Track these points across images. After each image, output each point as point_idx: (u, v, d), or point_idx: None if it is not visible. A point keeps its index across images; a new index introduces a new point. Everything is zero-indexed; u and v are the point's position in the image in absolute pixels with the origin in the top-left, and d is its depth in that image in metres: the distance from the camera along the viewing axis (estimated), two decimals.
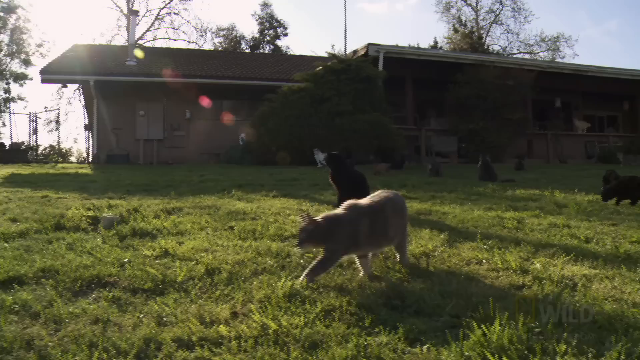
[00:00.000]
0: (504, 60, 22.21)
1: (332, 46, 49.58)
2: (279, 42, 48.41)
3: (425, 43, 49.05)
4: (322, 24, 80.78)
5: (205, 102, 20.40)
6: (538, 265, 3.03)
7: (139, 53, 22.19)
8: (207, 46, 46.07)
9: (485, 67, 18.65)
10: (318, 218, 2.61)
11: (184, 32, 71.81)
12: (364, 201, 2.88)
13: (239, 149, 17.78)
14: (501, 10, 46.14)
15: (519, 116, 18.76)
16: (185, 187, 7.91)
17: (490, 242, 3.66)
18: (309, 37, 79.97)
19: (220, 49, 44.24)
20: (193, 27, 49.74)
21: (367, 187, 5.65)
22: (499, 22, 46.57)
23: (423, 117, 21.72)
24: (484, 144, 17.63)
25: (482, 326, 1.95)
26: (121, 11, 43.42)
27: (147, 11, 51.58)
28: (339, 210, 2.77)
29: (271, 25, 48.24)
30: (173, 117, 20.94)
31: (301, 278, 2.64)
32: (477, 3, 46.42)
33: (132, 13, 26.75)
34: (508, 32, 54.78)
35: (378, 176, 10.35)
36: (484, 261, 3.15)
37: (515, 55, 44.18)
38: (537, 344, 1.85)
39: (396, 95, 19.43)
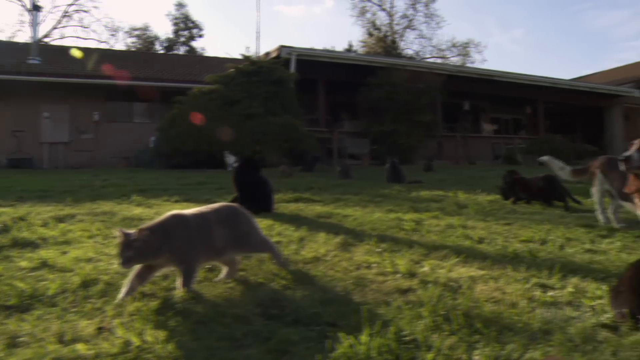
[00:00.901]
0: (415, 63, 22.61)
1: (247, 48, 49.26)
2: (194, 44, 47.67)
3: (341, 46, 49.60)
4: (239, 26, 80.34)
5: (114, 103, 19.74)
6: (427, 268, 3.01)
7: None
8: (120, 46, 44.75)
9: (396, 70, 18.94)
10: (134, 231, 2.43)
11: (94, 31, 69.62)
12: (188, 211, 2.73)
13: (148, 153, 17.28)
14: (415, 15, 47.09)
15: (429, 118, 19.15)
16: (85, 192, 7.54)
17: (384, 245, 3.63)
18: (226, 39, 79.38)
19: (133, 49, 43.01)
20: (104, 26, 48.16)
21: (266, 192, 5.57)
22: (413, 27, 47.56)
23: (337, 120, 21.83)
24: (395, 146, 17.90)
25: (350, 336, 1.88)
26: (24, 6, 41.40)
27: (54, 7, 49.51)
28: (154, 221, 2.59)
29: (186, 26, 47.44)
30: (80, 120, 20.07)
31: (178, 288, 2.50)
32: (391, 8, 47.21)
33: (35, 9, 25.41)
34: (421, 37, 56.14)
35: (287, 178, 10.26)
36: (374, 265, 3.10)
37: (428, 59, 45.21)
38: (407, 353, 1.79)
39: (309, 97, 19.44)
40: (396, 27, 47.31)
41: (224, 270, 2.82)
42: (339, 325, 2.07)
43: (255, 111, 15.14)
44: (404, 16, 47.18)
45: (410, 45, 52.44)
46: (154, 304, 2.32)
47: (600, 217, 4.85)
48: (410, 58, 41.30)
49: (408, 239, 3.97)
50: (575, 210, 5.79)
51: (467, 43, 47.93)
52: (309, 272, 2.96)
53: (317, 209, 5.74)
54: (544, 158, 5.86)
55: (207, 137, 14.78)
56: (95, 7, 54.79)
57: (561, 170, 5.50)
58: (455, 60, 47.18)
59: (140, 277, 2.49)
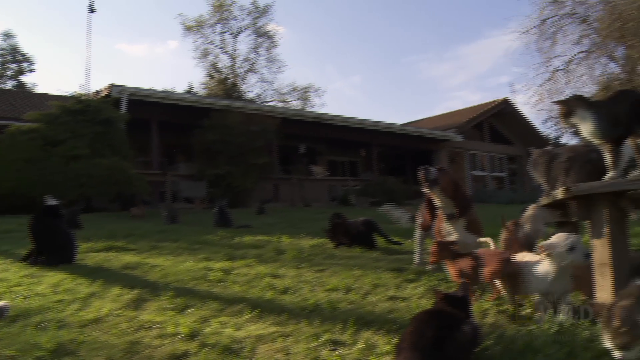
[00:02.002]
0: (249, 106, 22.59)
1: (81, 86, 46.98)
2: (24, 78, 44.82)
3: (183, 88, 48.82)
4: (77, 62, 76.89)
5: None
6: (213, 327, 2.78)
7: None
8: None
9: (231, 112, 18.78)
10: None
11: None
12: None
13: None
14: (257, 59, 47.57)
15: (264, 161, 19.10)
16: None
17: (180, 299, 3.36)
18: (62, 75, 75.64)
19: None
20: None
21: (66, 242, 5.14)
22: (255, 71, 47.91)
23: (172, 162, 21.24)
24: (230, 189, 17.64)
25: None
26: None
27: None
28: None
29: (15, 58, 44.53)
30: None
31: None
32: (234, 51, 47.35)
33: None
34: (263, 81, 56.43)
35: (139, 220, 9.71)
36: (157, 326, 2.82)
37: (269, 103, 45.73)
38: None
39: (143, 139, 18.75)
40: (238, 70, 47.54)
41: None
42: None
43: (80, 152, 14.23)
44: (246, 59, 47.55)
45: (251, 88, 52.96)
46: None
47: (416, 258, 4.94)
48: (251, 101, 41.55)
49: (209, 291, 3.74)
50: (393, 252, 5.86)
51: (307, 87, 49.16)
52: (79, 338, 2.62)
53: (127, 258, 5.36)
54: (384, 207, 5.95)
55: (26, 180, 13.66)
56: None
57: (401, 219, 5.64)
58: (295, 103, 48.17)
59: None
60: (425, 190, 4.35)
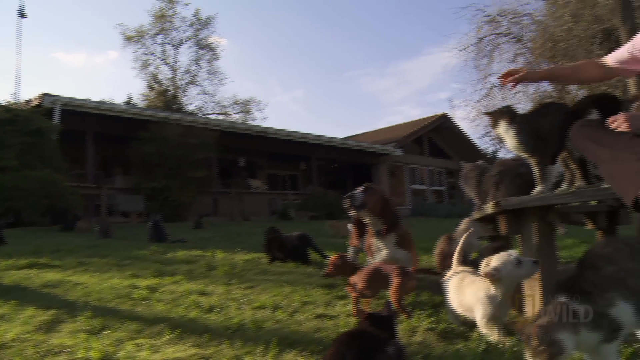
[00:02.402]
0: (188, 118, 22.23)
1: (13, 94, 45.47)
2: None
3: (123, 99, 47.78)
4: (7, 70, 74.51)
5: None
6: (127, 350, 2.62)
7: None
8: None
9: (169, 124, 18.44)
10: None
11: None
12: None
13: None
14: (198, 71, 47.10)
15: (203, 174, 18.81)
16: None
17: (97, 320, 3.18)
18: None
19: None
20: None
21: None
22: (196, 83, 47.39)
23: (109, 175, 20.74)
24: (168, 203, 17.32)
25: None
26: None
27: None
28: None
29: None
30: None
31: None
32: (175, 63, 46.74)
33: None
34: (204, 93, 55.93)
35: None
36: (67, 350, 2.65)
37: (210, 115, 45.31)
38: None
39: (77, 150, 18.25)
40: (179, 82, 46.92)
41: None
42: None
43: (8, 164, 13.67)
44: (187, 71, 47.00)
45: (192, 100, 52.27)
46: None
47: None
48: (191, 113, 41.09)
49: (130, 311, 3.56)
50: None
51: (248, 101, 48.88)
52: None
53: (49, 276, 5.10)
54: (331, 223, 5.90)
55: None
56: None
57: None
58: (237, 117, 47.81)
59: None
60: (353, 214, 4.32)
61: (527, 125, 3.20)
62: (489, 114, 3.38)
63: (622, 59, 3.17)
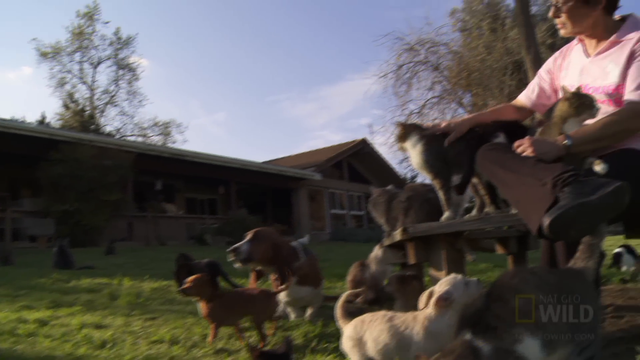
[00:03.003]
0: (103, 139, 21.49)
1: None
2: None
3: (36, 117, 45.94)
4: None
5: None
6: None
7: None
8: None
9: (83, 145, 17.81)
10: None
11: None
12: None
13: None
14: (117, 92, 45.96)
15: (118, 197, 18.21)
16: None
17: None
18: None
19: None
20: None
21: None
22: (115, 104, 46.20)
23: (16, 197, 19.78)
24: (79, 226, 16.68)
25: None
26: None
27: None
28: None
29: None
30: None
31: None
32: (93, 82, 45.46)
33: None
34: (123, 114, 54.60)
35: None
36: None
37: (129, 137, 44.26)
38: None
39: None
40: (97, 102, 45.66)
41: None
42: None
43: None
44: (106, 91, 45.80)
45: (111, 121, 50.74)
46: None
47: None
48: (108, 134, 39.99)
49: (10, 349, 3.30)
50: None
51: (168, 123, 48.08)
52: None
53: None
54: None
55: None
56: None
57: None
58: (156, 139, 46.92)
59: None
60: (240, 267, 3.96)
61: (434, 145, 3.18)
62: (400, 124, 3.35)
63: (533, 96, 3.27)
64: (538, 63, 11.55)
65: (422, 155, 3.18)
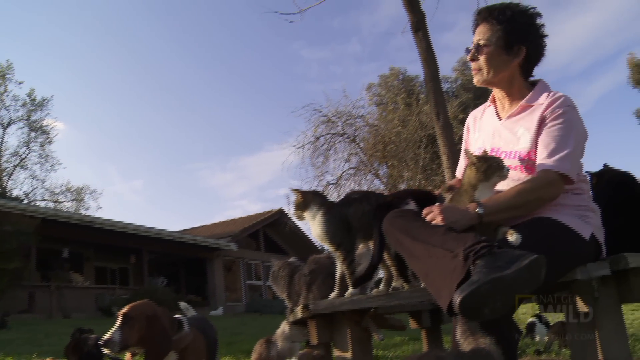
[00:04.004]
0: (4, 204, 20.31)
1: None
2: None
3: None
4: None
5: None
6: None
7: None
8: None
9: None
10: None
11: None
12: None
13: None
14: (27, 154, 44.28)
15: (17, 265, 17.17)
16: None
17: None
18: None
19: None
20: None
21: None
22: (25, 167, 44.39)
23: None
24: None
25: None
26: None
27: None
28: None
29: None
30: None
31: None
32: (2, 144, 43.69)
33: None
34: (34, 178, 52.44)
35: None
36: None
37: (39, 202, 42.55)
38: None
39: None
40: (5, 165, 43.78)
41: None
42: None
43: None
44: (16, 154, 43.98)
45: (19, 185, 48.68)
46: None
47: None
48: (16, 199, 38.29)
49: None
50: None
51: (82, 189, 46.54)
52: None
53: None
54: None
55: None
56: None
57: None
58: (68, 205, 45.26)
59: None
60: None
61: (336, 213, 2.98)
62: (298, 192, 3.13)
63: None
64: (448, 130, 11.74)
65: (322, 225, 2.99)
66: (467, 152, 2.73)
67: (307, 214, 3.04)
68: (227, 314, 24.36)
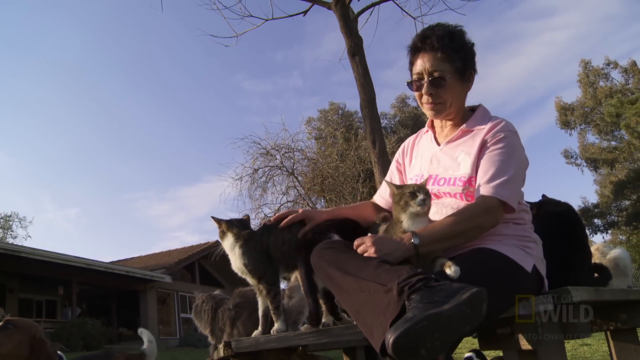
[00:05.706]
0: None
1: None
2: None
3: None
4: None
5: None
6: None
7: None
8: None
9: None
10: None
11: None
12: None
13: None
14: None
15: None
16: None
17: None
18: None
19: None
20: None
21: None
22: None
23: None
24: None
25: None
26: None
27: None
28: None
29: None
30: None
31: None
32: None
33: None
34: None
35: None
36: None
37: None
38: None
39: None
40: None
41: None
42: None
43: None
44: None
45: None
46: None
47: None
48: None
49: None
50: None
51: (9, 216, 44.92)
52: None
53: None
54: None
55: None
56: None
57: None
58: None
59: None
60: None
61: (255, 244, 2.77)
62: (216, 221, 2.92)
63: (386, 195, 3.00)
64: (384, 157, 11.65)
65: (241, 258, 2.79)
66: (388, 183, 2.60)
67: (225, 245, 2.85)
68: (159, 348, 23.58)
